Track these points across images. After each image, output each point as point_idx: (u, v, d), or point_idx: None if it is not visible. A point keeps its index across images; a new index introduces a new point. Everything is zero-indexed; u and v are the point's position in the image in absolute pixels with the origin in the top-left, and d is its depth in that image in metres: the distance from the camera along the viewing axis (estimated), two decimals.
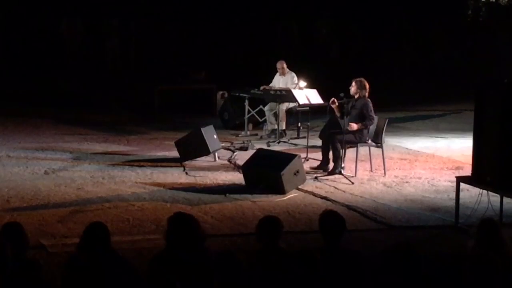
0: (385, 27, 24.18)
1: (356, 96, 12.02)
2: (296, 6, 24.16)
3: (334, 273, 5.68)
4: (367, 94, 12.00)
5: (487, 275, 5.22)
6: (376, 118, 12.13)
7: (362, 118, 11.88)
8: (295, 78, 15.08)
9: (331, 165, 11.91)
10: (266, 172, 10.93)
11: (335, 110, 12.09)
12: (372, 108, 11.90)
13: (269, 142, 14.43)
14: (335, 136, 11.81)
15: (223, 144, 13.59)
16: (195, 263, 5.58)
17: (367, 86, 12.02)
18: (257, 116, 15.64)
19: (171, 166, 12.21)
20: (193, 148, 12.49)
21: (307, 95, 14.18)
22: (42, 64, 21.45)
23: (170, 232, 5.71)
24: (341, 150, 11.74)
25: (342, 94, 12.03)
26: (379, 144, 12.08)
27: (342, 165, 11.79)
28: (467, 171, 9.80)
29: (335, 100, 11.99)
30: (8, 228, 5.78)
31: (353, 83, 12.05)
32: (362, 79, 12.09)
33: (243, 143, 14.02)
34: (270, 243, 5.93)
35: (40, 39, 22.52)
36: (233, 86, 16.40)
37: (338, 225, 5.99)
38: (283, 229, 6.14)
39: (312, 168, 12.06)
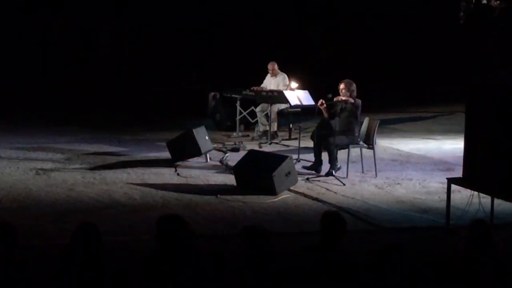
0: (377, 27, 24.19)
1: (346, 98, 11.99)
2: (289, 7, 24.15)
3: (327, 274, 5.68)
4: (355, 95, 12.00)
5: (477, 276, 5.24)
6: (366, 119, 12.17)
7: (353, 118, 11.88)
8: (286, 79, 15.07)
9: (323, 166, 11.93)
10: (257, 173, 10.93)
11: (323, 111, 12.07)
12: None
13: (260, 143, 14.44)
14: (327, 139, 11.79)
15: (214, 145, 13.58)
16: (186, 263, 5.57)
17: (354, 86, 12.02)
18: (248, 117, 15.63)
19: (162, 167, 12.20)
20: (185, 149, 12.47)
21: (298, 96, 14.18)
22: (33, 64, 21.41)
23: (158, 235, 5.70)
24: (335, 152, 11.75)
25: (330, 95, 12.02)
26: (370, 146, 12.08)
27: (339, 166, 11.82)
28: (458, 172, 9.81)
29: (323, 102, 11.98)
30: None
31: (342, 85, 12.01)
32: (349, 80, 12.08)
33: (235, 144, 14.01)
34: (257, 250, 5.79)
35: (32, 39, 22.47)
36: (225, 87, 16.38)
37: (340, 226, 5.95)
38: (268, 239, 5.86)
39: (304, 167, 12.05)
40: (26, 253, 5.85)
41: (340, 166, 11.90)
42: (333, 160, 11.76)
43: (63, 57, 22.76)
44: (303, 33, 24.74)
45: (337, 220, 5.99)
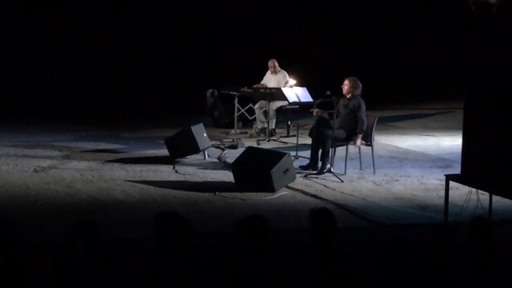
0: (374, 23, 24.18)
1: (349, 96, 11.97)
2: (287, 5, 24.15)
3: (323, 272, 5.66)
4: (360, 93, 11.97)
5: (476, 274, 5.23)
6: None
7: (353, 117, 11.86)
8: (287, 76, 15.03)
9: (319, 164, 11.93)
10: (255, 170, 10.92)
11: (322, 115, 12.08)
12: (364, 109, 11.87)
13: (258, 140, 14.44)
14: (326, 133, 11.78)
15: (212, 142, 13.58)
16: (185, 261, 5.57)
17: (360, 85, 11.98)
18: (247, 114, 15.64)
19: (160, 164, 12.20)
20: (183, 146, 12.47)
21: (296, 93, 14.17)
22: (32, 63, 21.40)
23: (156, 233, 5.68)
24: (330, 148, 11.74)
25: (328, 92, 12.01)
26: (369, 143, 12.08)
27: (328, 166, 11.73)
28: (457, 169, 9.82)
29: (319, 112, 11.99)
30: None
31: (346, 81, 11.99)
32: (355, 77, 12.05)
33: (233, 141, 14.02)
34: (255, 245, 5.71)
35: (31, 38, 22.46)
36: (223, 84, 16.37)
37: (329, 224, 5.78)
38: (269, 229, 5.75)
39: (301, 167, 12.03)
40: (25, 252, 5.85)
41: (330, 167, 11.75)
42: (325, 157, 11.72)
43: (62, 56, 22.73)
44: (303, 32, 24.74)
45: (326, 217, 5.78)
